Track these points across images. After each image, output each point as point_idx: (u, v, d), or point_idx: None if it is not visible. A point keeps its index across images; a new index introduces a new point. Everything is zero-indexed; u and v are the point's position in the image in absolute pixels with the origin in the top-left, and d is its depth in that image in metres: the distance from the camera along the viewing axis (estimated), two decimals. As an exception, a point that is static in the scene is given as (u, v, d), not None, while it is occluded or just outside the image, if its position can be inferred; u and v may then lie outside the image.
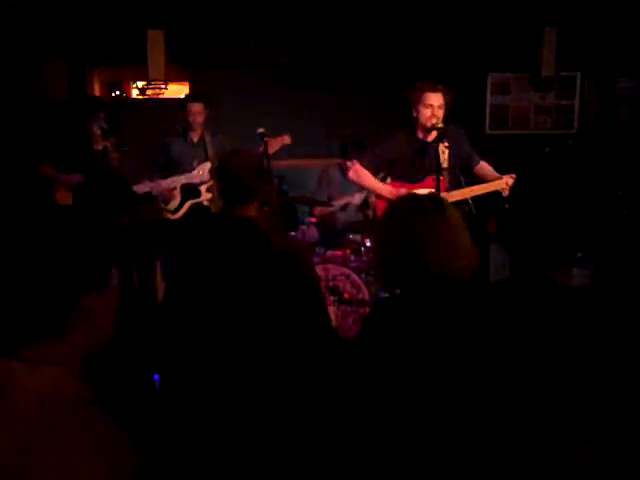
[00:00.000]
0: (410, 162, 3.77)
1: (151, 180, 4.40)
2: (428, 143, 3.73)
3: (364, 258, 4.33)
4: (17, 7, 4.75)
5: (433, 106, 3.64)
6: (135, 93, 7.73)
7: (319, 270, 3.84)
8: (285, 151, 4.83)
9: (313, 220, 5.06)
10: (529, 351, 1.45)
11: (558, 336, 1.33)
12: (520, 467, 1.37)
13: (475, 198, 3.71)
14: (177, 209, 4.61)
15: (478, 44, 6.13)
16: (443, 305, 1.64)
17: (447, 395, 1.53)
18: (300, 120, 5.75)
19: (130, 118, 5.77)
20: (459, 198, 3.64)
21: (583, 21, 6.13)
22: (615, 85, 6.65)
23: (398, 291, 1.76)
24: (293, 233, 4.82)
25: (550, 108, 6.73)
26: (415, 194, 1.89)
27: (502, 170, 3.84)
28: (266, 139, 4.10)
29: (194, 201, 4.62)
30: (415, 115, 3.73)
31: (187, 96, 5.06)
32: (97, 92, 6.67)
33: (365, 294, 4.09)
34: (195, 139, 4.68)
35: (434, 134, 3.64)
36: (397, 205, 1.87)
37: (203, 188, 4.61)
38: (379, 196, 3.84)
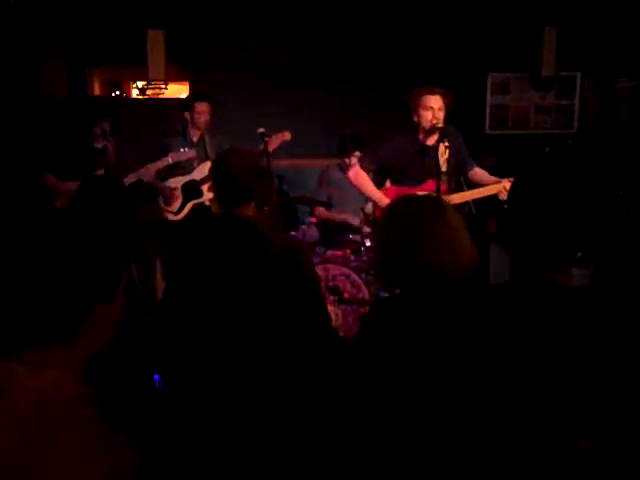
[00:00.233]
0: (410, 165, 3.76)
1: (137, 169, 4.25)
2: (429, 146, 3.72)
3: (364, 258, 4.33)
4: (17, 7, 4.75)
5: (433, 108, 3.63)
6: (135, 93, 7.72)
7: (319, 270, 3.84)
8: (285, 151, 4.84)
9: (313, 220, 5.05)
10: (529, 351, 1.45)
11: (558, 336, 1.33)
12: (520, 467, 1.38)
13: (475, 198, 3.71)
14: (179, 210, 4.58)
15: (478, 44, 6.12)
16: (443, 304, 1.64)
17: (447, 395, 1.53)
18: (300, 120, 5.74)
19: (130, 118, 5.76)
20: (459, 201, 3.64)
21: (583, 21, 6.13)
22: (615, 85, 6.64)
23: (398, 291, 1.76)
24: (293, 233, 4.81)
25: (550, 108, 6.72)
26: (415, 194, 1.89)
27: (502, 170, 3.83)
28: (266, 139, 4.09)
29: (196, 201, 4.60)
30: (416, 119, 3.72)
31: (194, 95, 4.99)
32: (97, 92, 6.66)
33: (365, 294, 4.08)
34: (195, 139, 4.68)
35: (435, 137, 3.64)
36: (397, 205, 1.87)
37: (205, 188, 4.59)
38: (376, 205, 3.83)
